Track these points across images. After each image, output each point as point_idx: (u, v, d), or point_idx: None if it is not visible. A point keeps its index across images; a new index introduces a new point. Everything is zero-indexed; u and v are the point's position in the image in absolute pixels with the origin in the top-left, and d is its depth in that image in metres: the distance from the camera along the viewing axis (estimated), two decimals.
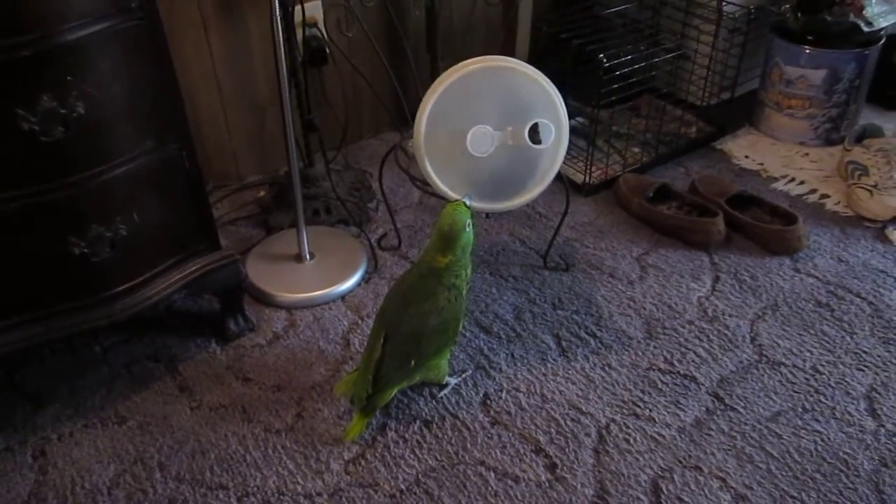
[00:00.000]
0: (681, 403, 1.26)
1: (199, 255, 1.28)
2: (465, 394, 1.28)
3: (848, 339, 1.38)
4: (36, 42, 0.95)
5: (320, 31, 1.68)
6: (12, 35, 0.93)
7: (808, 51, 1.84)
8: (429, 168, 1.25)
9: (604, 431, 1.21)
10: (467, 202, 1.19)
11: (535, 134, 1.23)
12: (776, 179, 1.83)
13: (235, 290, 1.37)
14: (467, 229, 1.15)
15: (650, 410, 1.25)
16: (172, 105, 1.14)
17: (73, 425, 1.24)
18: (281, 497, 1.12)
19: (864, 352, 1.35)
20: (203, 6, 1.59)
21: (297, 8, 1.53)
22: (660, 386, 1.29)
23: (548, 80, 1.21)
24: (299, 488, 1.13)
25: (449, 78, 1.21)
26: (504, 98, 1.21)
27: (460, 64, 1.22)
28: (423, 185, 1.31)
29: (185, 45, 1.61)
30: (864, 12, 1.83)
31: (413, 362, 1.17)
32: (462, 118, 1.22)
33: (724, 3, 1.78)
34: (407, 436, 1.21)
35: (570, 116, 1.96)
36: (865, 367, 1.32)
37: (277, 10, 1.29)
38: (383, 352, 1.16)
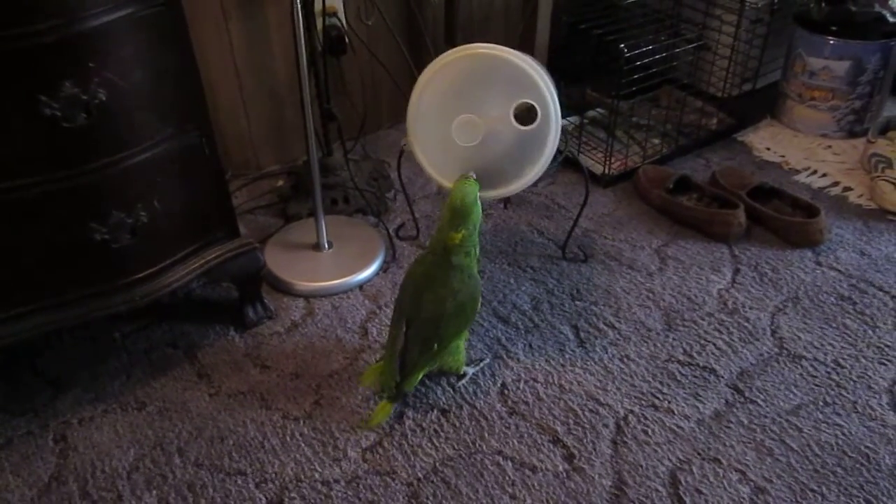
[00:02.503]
0: (700, 395, 1.25)
1: (219, 242, 1.29)
2: (482, 383, 1.28)
3: (870, 332, 1.36)
4: (59, 28, 0.95)
5: (340, 21, 1.68)
6: (36, 21, 0.94)
7: (831, 41, 1.81)
8: (424, 160, 1.25)
9: (622, 422, 1.21)
10: (474, 176, 1.20)
11: (529, 117, 1.21)
12: (798, 172, 1.81)
13: (254, 278, 1.37)
14: (478, 203, 1.16)
15: (669, 402, 1.24)
16: (193, 92, 1.14)
17: (94, 410, 1.25)
18: (299, 483, 1.13)
19: (887, 346, 1.33)
20: None
21: None
22: (679, 378, 1.28)
23: (531, 60, 1.19)
24: (317, 475, 1.14)
25: (432, 71, 1.20)
26: (490, 85, 1.20)
27: (441, 56, 1.21)
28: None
29: (204, 34, 1.61)
30: (889, 2, 1.80)
31: (436, 346, 1.17)
32: (451, 107, 1.21)
33: None
34: (424, 424, 1.21)
35: (591, 107, 1.97)
36: (888, 361, 1.30)
37: None
38: (406, 339, 1.17)
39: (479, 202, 1.17)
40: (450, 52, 1.20)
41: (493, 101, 1.20)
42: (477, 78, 1.20)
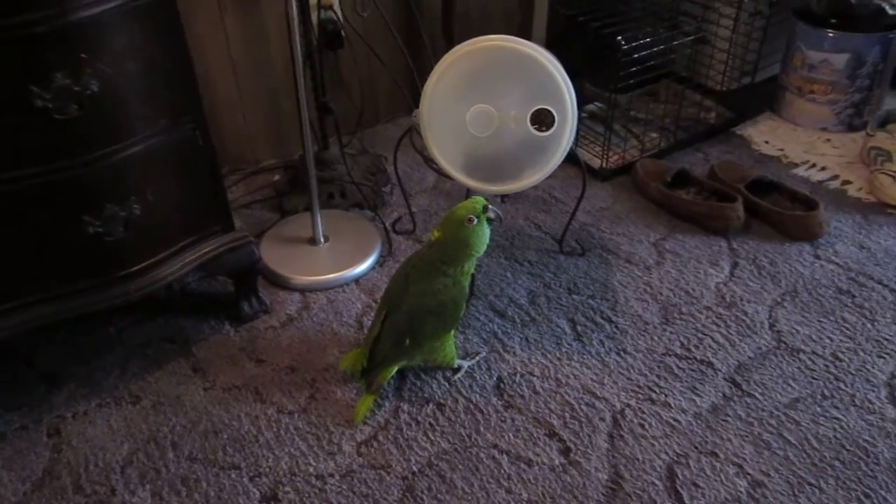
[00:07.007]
0: (697, 389, 1.24)
1: (214, 236, 1.28)
2: (478, 377, 1.27)
3: (869, 326, 1.35)
4: (51, 18, 0.94)
5: (336, 14, 1.67)
6: (27, 11, 0.93)
7: (831, 34, 1.80)
8: (431, 140, 1.24)
9: (619, 416, 1.20)
10: (491, 215, 1.13)
11: (542, 119, 1.21)
12: (797, 165, 1.81)
13: (249, 272, 1.36)
14: (468, 224, 1.11)
15: (666, 396, 1.23)
16: (186, 84, 1.14)
17: (88, 404, 1.25)
18: (293, 477, 1.12)
19: (886, 339, 1.32)
20: None
21: None
22: (676, 371, 1.28)
23: (559, 66, 1.19)
24: (311, 469, 1.13)
25: (461, 50, 1.20)
26: (514, 80, 1.20)
27: (476, 38, 1.20)
28: (439, 168, 1.30)
29: (201, 27, 1.60)
30: None
31: (408, 341, 1.17)
32: (469, 94, 1.20)
33: None
34: (420, 418, 1.20)
35: (588, 101, 1.96)
36: (886, 354, 1.30)
37: None
38: (381, 328, 1.18)
39: (472, 227, 1.11)
40: (478, 39, 1.19)
41: (512, 96, 1.19)
42: (501, 70, 1.20)
